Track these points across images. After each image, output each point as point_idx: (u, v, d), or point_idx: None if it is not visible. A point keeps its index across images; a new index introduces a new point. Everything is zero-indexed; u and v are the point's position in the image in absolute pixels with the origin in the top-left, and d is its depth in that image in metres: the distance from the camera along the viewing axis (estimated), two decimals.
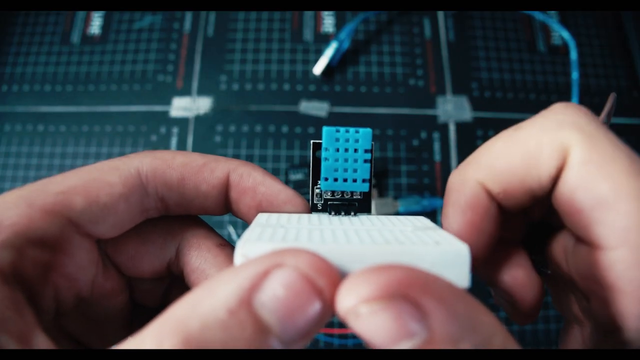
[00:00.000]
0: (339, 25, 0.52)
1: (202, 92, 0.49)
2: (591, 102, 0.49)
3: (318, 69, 0.48)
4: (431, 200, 0.44)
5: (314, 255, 0.12)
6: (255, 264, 0.11)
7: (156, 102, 0.49)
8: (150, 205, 0.17)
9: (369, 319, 0.10)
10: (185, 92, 0.49)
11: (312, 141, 0.19)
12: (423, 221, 0.17)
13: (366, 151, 0.18)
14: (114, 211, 0.16)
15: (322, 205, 0.19)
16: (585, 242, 0.15)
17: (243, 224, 0.44)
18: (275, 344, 0.11)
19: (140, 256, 0.18)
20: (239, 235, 0.44)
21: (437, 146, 0.47)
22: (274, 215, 0.17)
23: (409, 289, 0.11)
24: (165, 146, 0.47)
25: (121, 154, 0.47)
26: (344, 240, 0.13)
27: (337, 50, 0.48)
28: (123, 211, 0.16)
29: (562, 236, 0.18)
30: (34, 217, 0.14)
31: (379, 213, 0.43)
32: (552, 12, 0.53)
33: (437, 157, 0.47)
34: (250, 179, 0.18)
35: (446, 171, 0.46)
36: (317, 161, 0.19)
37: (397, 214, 0.44)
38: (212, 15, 0.52)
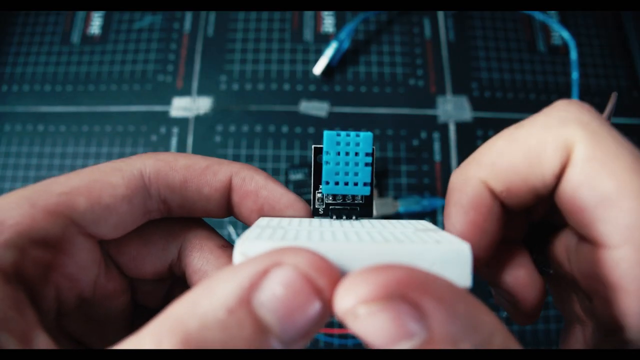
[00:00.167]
0: (339, 25, 0.52)
1: (202, 92, 0.49)
2: (591, 102, 0.49)
3: (318, 69, 0.48)
4: (431, 200, 0.44)
5: (314, 254, 0.11)
6: (254, 262, 0.11)
7: (156, 102, 0.49)
8: (153, 206, 0.17)
9: (367, 320, 0.10)
10: (185, 92, 0.49)
11: (313, 146, 0.19)
12: (424, 224, 0.17)
13: (367, 155, 0.18)
14: (117, 212, 0.16)
15: (324, 209, 0.19)
16: (588, 240, 0.15)
17: (243, 224, 0.44)
18: (275, 344, 0.11)
19: (142, 257, 0.18)
20: (239, 236, 0.44)
21: (437, 146, 0.47)
22: (275, 219, 0.17)
23: (408, 289, 0.10)
24: (165, 146, 0.47)
25: (121, 154, 0.47)
26: (344, 239, 0.13)
27: (337, 50, 0.48)
28: (125, 212, 0.16)
29: (564, 235, 0.17)
30: (37, 217, 0.14)
31: (379, 213, 0.43)
32: (552, 12, 0.53)
33: (437, 157, 0.47)
34: (252, 183, 0.18)
35: (446, 171, 0.46)
36: (318, 166, 0.19)
37: (397, 214, 0.44)
38: (212, 15, 0.52)
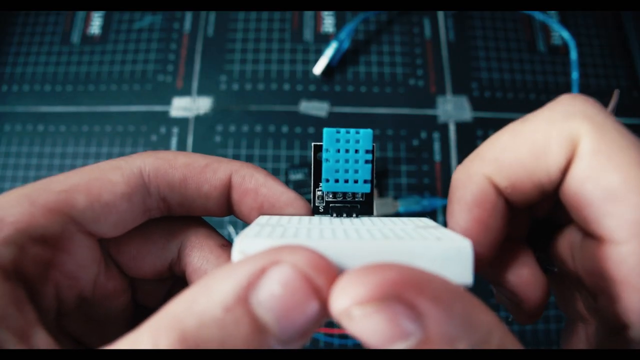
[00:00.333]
0: (339, 25, 0.52)
1: (202, 92, 0.49)
2: None
3: (318, 69, 0.48)
4: (431, 200, 0.44)
5: (312, 252, 0.11)
6: (252, 260, 0.11)
7: (156, 102, 0.49)
8: (153, 205, 0.17)
9: (362, 321, 0.10)
10: (185, 92, 0.49)
11: (313, 143, 0.19)
12: (425, 221, 0.17)
13: (367, 152, 0.18)
14: (116, 210, 0.16)
15: (324, 207, 0.19)
16: (593, 236, 0.15)
17: (243, 223, 0.44)
18: (273, 343, 0.11)
19: (142, 256, 0.18)
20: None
21: (437, 146, 0.47)
22: (275, 217, 0.17)
23: (403, 290, 0.10)
24: (165, 146, 0.47)
25: (121, 154, 0.47)
26: (343, 237, 0.13)
27: (337, 50, 0.48)
28: (125, 210, 0.16)
29: (568, 232, 0.17)
30: (36, 215, 0.14)
31: (379, 213, 0.43)
32: (552, 12, 0.53)
33: (437, 157, 0.47)
34: (252, 181, 0.18)
35: (446, 171, 0.46)
36: (318, 163, 0.19)
37: (397, 214, 0.44)
38: (212, 15, 0.52)
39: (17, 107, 0.49)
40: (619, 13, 0.54)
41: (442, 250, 0.12)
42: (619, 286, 0.14)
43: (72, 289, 0.16)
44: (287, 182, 0.45)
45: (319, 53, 0.50)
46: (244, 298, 0.10)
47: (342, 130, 0.18)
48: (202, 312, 0.10)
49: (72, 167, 0.47)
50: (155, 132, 0.47)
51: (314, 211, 0.19)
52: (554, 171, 0.15)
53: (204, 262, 0.18)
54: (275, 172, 0.46)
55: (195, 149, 0.47)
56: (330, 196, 0.19)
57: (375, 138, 0.47)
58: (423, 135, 0.48)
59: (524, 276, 0.17)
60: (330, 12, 0.52)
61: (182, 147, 0.47)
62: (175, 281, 0.20)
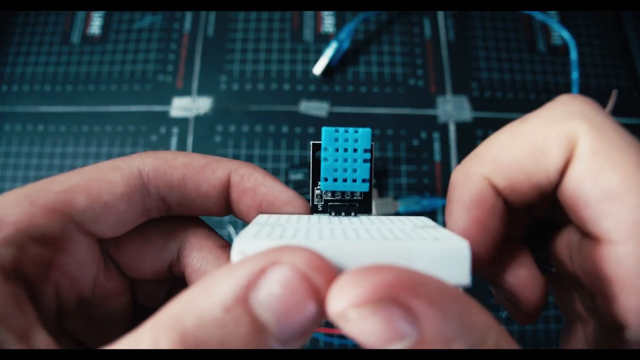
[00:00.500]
0: (339, 25, 0.52)
1: (202, 92, 0.49)
2: None
3: (318, 69, 0.48)
4: (431, 200, 0.44)
5: (311, 252, 0.11)
6: (252, 261, 0.11)
7: (156, 102, 0.49)
8: (152, 205, 0.17)
9: (358, 323, 0.10)
10: (185, 92, 0.49)
11: (311, 142, 0.19)
12: (424, 220, 0.17)
13: (366, 151, 0.18)
14: (116, 210, 0.16)
15: (322, 206, 0.19)
16: (591, 237, 0.15)
17: (243, 224, 0.44)
18: (272, 343, 0.11)
19: (142, 257, 0.18)
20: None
21: (437, 146, 0.47)
22: (274, 216, 0.17)
23: (398, 292, 0.10)
24: (165, 146, 0.47)
25: (121, 154, 0.47)
26: (342, 237, 0.13)
27: (337, 50, 0.48)
28: (125, 210, 0.16)
29: (566, 233, 0.17)
30: (36, 215, 0.14)
31: (379, 213, 0.43)
32: (552, 12, 0.53)
33: (437, 157, 0.47)
34: (251, 180, 0.18)
35: (446, 171, 0.46)
36: (317, 162, 0.19)
37: (397, 214, 0.44)
38: (212, 15, 0.52)
39: (17, 107, 0.49)
40: (619, 13, 0.54)
41: (440, 250, 0.13)
42: (617, 286, 0.14)
43: (72, 289, 0.16)
44: (287, 182, 0.45)
45: (319, 53, 0.50)
46: (243, 298, 0.11)
47: (341, 129, 0.18)
48: (202, 312, 0.10)
49: (72, 167, 0.47)
50: (155, 132, 0.48)
51: (313, 210, 0.19)
52: (552, 172, 0.15)
53: (203, 262, 0.18)
54: (275, 172, 0.46)
55: (195, 149, 0.47)
56: (329, 195, 0.19)
57: (375, 138, 0.47)
58: (423, 135, 0.48)
59: (522, 277, 0.17)
60: (330, 12, 0.52)
61: (182, 147, 0.47)
62: (175, 282, 0.20)
